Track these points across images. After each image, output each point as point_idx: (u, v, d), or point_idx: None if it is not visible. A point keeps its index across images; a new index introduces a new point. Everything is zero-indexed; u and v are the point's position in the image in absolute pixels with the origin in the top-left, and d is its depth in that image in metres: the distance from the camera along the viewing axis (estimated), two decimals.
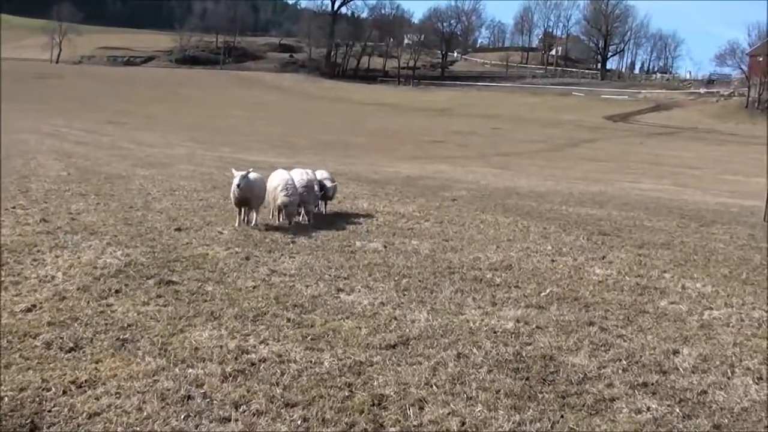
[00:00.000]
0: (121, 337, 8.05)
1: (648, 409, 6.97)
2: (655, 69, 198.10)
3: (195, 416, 6.30)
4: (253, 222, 15.17)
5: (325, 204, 17.72)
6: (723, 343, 9.10)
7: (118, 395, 6.59)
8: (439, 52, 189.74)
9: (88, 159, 28.71)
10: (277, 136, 62.07)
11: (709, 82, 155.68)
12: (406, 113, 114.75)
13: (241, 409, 6.46)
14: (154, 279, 10.40)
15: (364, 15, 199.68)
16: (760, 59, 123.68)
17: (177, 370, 7.21)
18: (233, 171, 14.88)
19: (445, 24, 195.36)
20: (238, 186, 14.39)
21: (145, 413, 6.29)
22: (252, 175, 14.78)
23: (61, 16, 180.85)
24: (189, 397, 6.62)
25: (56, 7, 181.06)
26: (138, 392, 6.66)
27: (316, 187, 16.50)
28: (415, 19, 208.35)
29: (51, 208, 15.81)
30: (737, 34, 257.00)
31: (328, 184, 17.29)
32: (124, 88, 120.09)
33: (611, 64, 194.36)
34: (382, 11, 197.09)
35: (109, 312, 8.88)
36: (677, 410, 6.99)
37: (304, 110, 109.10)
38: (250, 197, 14.83)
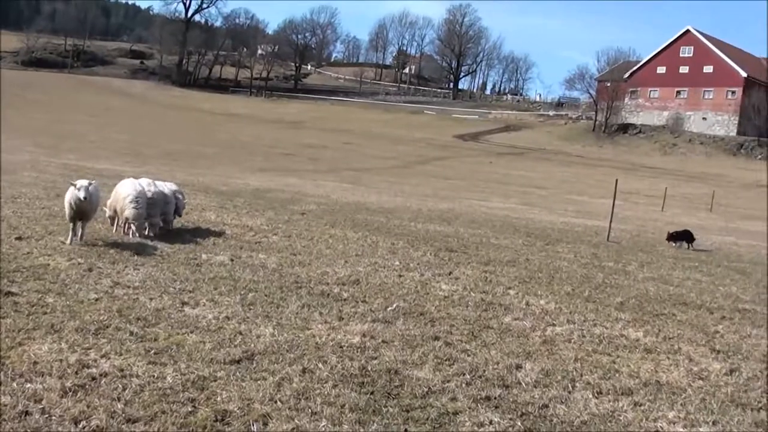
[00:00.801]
0: None
1: (491, 422, 7.07)
2: (506, 90, 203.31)
3: None
4: (83, 236, 14.18)
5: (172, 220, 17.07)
6: (564, 359, 9.34)
7: None
8: (293, 64, 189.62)
9: None
10: (125, 144, 60.79)
11: (558, 104, 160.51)
12: (258, 125, 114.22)
13: (80, 425, 6.25)
14: None
15: (217, 23, 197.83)
16: (608, 84, 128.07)
17: (15, 384, 6.94)
18: (72, 182, 13.86)
19: (299, 36, 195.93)
20: (84, 198, 13.30)
21: None
22: (92, 186, 13.77)
23: None
24: (27, 413, 6.37)
25: None
26: None
27: (168, 199, 16.17)
28: (270, 30, 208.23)
29: None
30: (587, 60, 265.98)
31: (181, 198, 16.89)
32: None
33: (463, 84, 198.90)
34: (236, 20, 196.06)
35: None
36: (519, 424, 7.11)
37: (154, 118, 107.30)
38: (89, 210, 13.98)
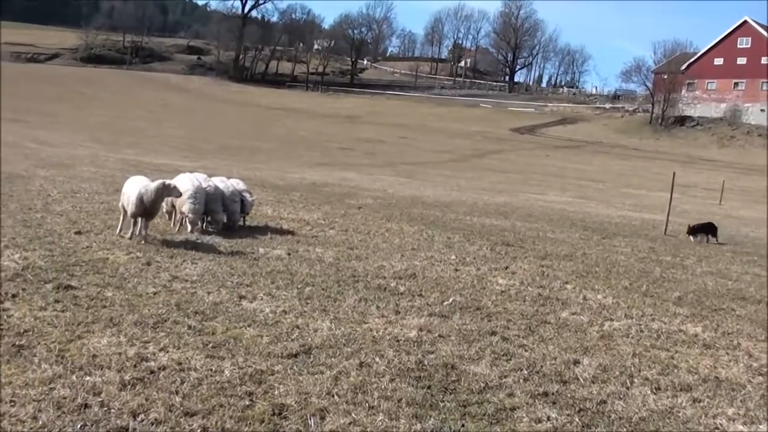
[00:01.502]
0: (17, 343, 7.82)
1: (548, 418, 7.03)
2: (562, 83, 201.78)
3: (92, 425, 6.14)
4: (145, 231, 14.11)
5: (244, 219, 16.94)
6: (622, 354, 9.26)
7: (12, 403, 6.40)
8: (349, 59, 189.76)
9: None
10: (183, 139, 61.32)
11: (615, 97, 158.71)
12: (314, 119, 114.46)
13: (139, 418, 6.31)
14: (53, 283, 10.14)
15: (274, 19, 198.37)
16: (665, 77, 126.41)
17: (74, 377, 7.03)
18: (142, 179, 14.04)
19: (355, 31, 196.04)
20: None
21: (40, 422, 6.11)
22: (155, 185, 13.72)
23: None
24: (86, 406, 6.44)
25: None
26: (33, 400, 6.47)
27: (233, 197, 16.10)
28: (326, 25, 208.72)
29: None
30: (643, 52, 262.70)
31: (248, 197, 16.61)
32: (27, 86, 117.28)
33: (519, 77, 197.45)
34: (293, 16, 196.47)
35: (5, 317, 8.63)
36: (577, 420, 7.07)
37: (211, 114, 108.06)
38: (157, 208, 14.15)
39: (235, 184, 16.72)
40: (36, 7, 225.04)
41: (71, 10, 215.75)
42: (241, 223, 16.59)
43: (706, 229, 22.28)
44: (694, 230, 22.15)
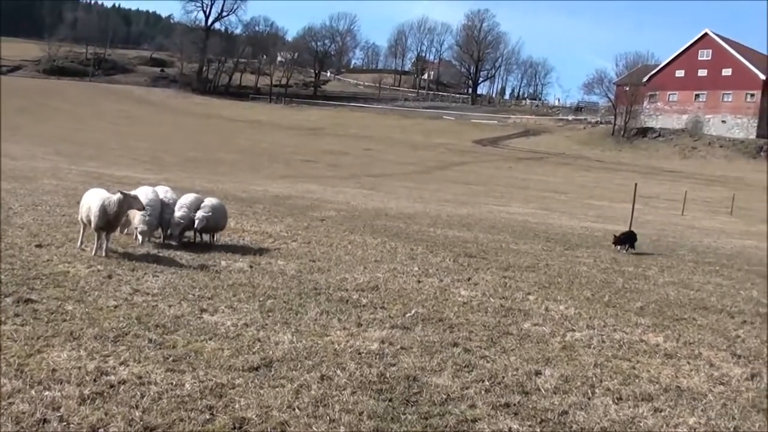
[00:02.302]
0: None
1: (510, 429, 7.05)
2: (525, 95, 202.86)
3: None
4: (107, 245, 13.81)
5: (209, 236, 16.30)
6: (584, 364, 9.30)
7: None
8: (312, 71, 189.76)
9: None
10: (145, 151, 61.04)
11: (577, 109, 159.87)
12: (277, 131, 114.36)
13: None
14: (12, 297, 10.04)
15: (237, 31, 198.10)
16: (627, 89, 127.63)
17: (33, 392, 6.96)
18: (101, 191, 13.67)
19: (319, 43, 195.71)
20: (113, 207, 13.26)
21: None
22: (117, 196, 13.37)
23: None
24: (45, 421, 6.39)
25: None
26: None
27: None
28: (289, 37, 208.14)
29: None
30: (605, 64, 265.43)
31: (200, 214, 15.37)
32: None
33: (482, 89, 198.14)
34: (256, 28, 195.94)
35: None
36: (539, 431, 7.10)
37: (174, 126, 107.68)
38: (118, 222, 13.89)
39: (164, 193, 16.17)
40: None
41: (34, 21, 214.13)
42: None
43: (627, 240, 22.03)
44: (619, 240, 21.93)
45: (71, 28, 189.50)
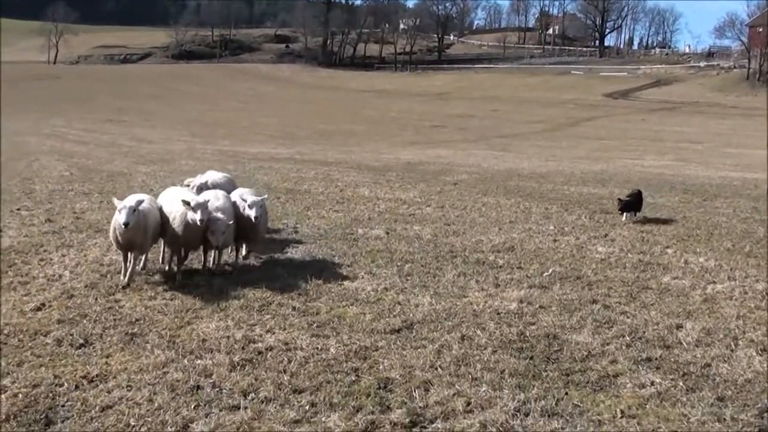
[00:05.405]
0: (129, 331, 8.16)
1: (652, 383, 7.06)
2: (654, 44, 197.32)
3: (205, 405, 6.42)
4: (145, 266, 11.12)
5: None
6: (726, 317, 9.18)
7: (129, 388, 6.71)
8: (435, 35, 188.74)
9: (90, 158, 28.66)
10: (276, 127, 61.80)
11: (709, 55, 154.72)
12: (405, 99, 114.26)
13: (249, 397, 6.58)
14: (161, 273, 10.48)
15: (358, 2, 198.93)
16: (760, 30, 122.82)
17: (185, 361, 7.32)
18: (115, 201, 10.14)
19: (440, 7, 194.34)
20: (125, 224, 9.58)
21: (156, 404, 6.41)
22: (144, 205, 10.07)
23: (56, 16, 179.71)
24: (198, 387, 6.74)
25: (51, 8, 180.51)
26: (148, 384, 6.78)
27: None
28: (410, 4, 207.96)
29: (56, 208, 15.87)
30: (736, 6, 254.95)
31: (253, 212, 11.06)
32: (122, 86, 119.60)
33: (609, 40, 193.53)
34: None
35: (117, 308, 8.98)
36: (681, 384, 7.07)
37: (303, 100, 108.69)
38: (137, 237, 10.04)
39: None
40: (124, 9, 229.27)
41: (159, 9, 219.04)
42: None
43: (634, 204, 16.88)
44: (627, 205, 16.67)
45: (195, 13, 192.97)
